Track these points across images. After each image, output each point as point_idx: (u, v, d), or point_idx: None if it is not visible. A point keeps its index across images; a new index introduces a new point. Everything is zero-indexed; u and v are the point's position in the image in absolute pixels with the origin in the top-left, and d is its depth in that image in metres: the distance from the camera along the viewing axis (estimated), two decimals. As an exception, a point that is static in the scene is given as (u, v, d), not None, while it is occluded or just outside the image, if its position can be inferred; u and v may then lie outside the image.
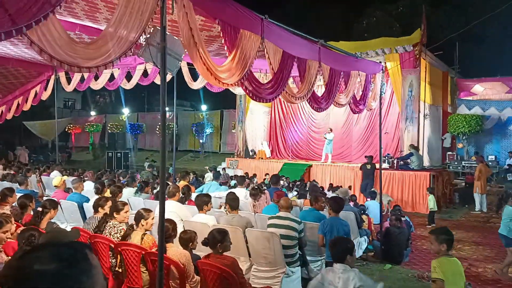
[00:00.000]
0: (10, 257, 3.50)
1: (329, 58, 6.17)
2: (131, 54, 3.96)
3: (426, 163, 14.60)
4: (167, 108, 19.61)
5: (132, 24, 3.23)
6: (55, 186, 7.97)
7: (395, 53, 14.37)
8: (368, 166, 13.05)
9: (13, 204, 5.39)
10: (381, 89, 7.49)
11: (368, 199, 10.31)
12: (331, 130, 15.92)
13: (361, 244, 6.91)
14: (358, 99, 7.23)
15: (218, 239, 3.83)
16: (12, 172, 11.36)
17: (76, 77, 11.71)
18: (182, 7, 3.72)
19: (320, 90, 7.96)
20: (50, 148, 30.68)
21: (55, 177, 9.00)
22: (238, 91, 11.65)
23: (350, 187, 12.72)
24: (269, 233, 5.00)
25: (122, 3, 3.16)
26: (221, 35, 4.24)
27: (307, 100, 6.11)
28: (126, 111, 29.51)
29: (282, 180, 12.14)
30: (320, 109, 6.56)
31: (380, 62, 9.47)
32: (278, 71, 5.22)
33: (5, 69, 10.65)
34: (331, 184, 13.15)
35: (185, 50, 3.95)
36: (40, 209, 4.65)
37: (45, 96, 12.22)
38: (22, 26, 2.63)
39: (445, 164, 16.32)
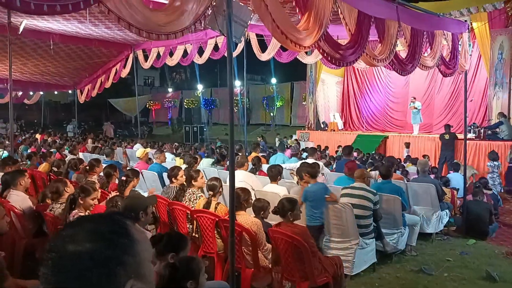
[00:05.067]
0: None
1: (409, 17, 5.69)
2: (201, 28, 3.97)
3: (519, 132, 13.17)
4: (239, 83, 19.86)
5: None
6: (138, 157, 8.54)
7: (482, 12, 12.85)
8: (446, 137, 12.12)
9: (100, 174, 5.85)
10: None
11: (451, 172, 9.65)
12: (415, 98, 14.87)
13: (442, 218, 6.50)
14: (447, 60, 6.60)
15: (288, 207, 3.82)
16: (99, 145, 12.37)
17: (153, 54, 12.24)
18: (248, -30, 3.63)
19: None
20: (133, 123, 32.88)
21: (138, 149, 9.62)
22: (308, 60, 11.34)
23: (427, 158, 11.95)
24: (341, 204, 4.88)
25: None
26: (292, -3, 4.08)
27: (390, 63, 5.72)
28: (200, 87, 30.43)
29: (356, 151, 11.79)
30: (405, 72, 6.10)
31: (466, 21, 8.58)
32: (356, 32, 4.93)
33: (89, 50, 11.48)
34: (408, 156, 12.45)
35: (252, 16, 3.88)
36: (124, 178, 5.01)
37: (124, 73, 12.97)
38: (98, -7, 2.74)
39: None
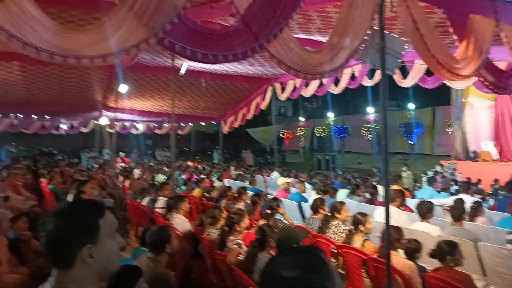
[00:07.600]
0: (247, 246, 4.00)
1: None
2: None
3: None
4: (372, 110, 19.27)
5: (354, 30, 3.26)
6: (278, 184, 8.88)
7: None
8: None
9: (246, 201, 6.22)
10: None
11: None
12: None
13: None
14: None
15: (446, 250, 3.47)
16: (241, 172, 13.22)
17: (289, 86, 12.75)
18: (403, 0, 3.54)
19: None
20: (268, 151, 34.39)
21: (277, 178, 10.01)
22: (458, 84, 10.36)
23: None
24: (508, 250, 4.24)
25: (344, 10, 3.23)
26: (448, 23, 3.83)
27: None
28: (331, 115, 30.42)
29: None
30: None
31: None
32: (526, 56, 4.38)
33: (233, 85, 12.61)
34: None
35: (405, 47, 3.75)
36: (269, 211, 5.24)
37: (264, 105, 13.78)
38: (263, 42, 3.01)
39: None
